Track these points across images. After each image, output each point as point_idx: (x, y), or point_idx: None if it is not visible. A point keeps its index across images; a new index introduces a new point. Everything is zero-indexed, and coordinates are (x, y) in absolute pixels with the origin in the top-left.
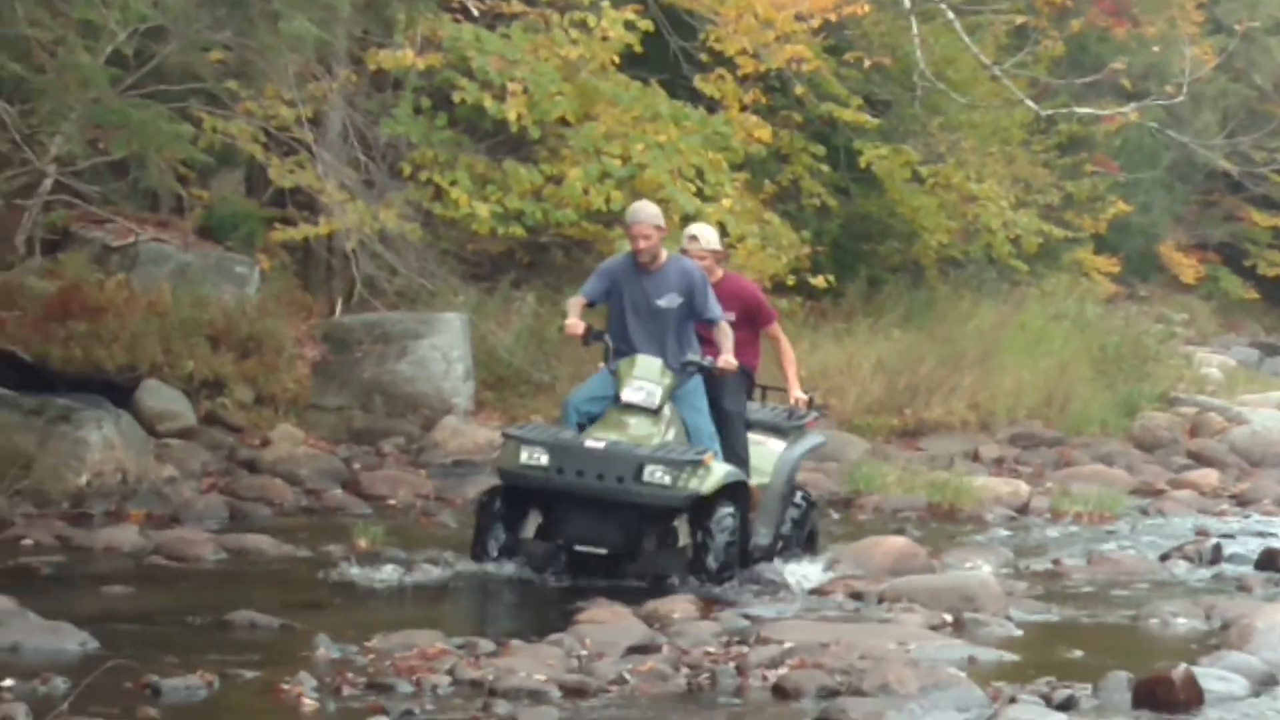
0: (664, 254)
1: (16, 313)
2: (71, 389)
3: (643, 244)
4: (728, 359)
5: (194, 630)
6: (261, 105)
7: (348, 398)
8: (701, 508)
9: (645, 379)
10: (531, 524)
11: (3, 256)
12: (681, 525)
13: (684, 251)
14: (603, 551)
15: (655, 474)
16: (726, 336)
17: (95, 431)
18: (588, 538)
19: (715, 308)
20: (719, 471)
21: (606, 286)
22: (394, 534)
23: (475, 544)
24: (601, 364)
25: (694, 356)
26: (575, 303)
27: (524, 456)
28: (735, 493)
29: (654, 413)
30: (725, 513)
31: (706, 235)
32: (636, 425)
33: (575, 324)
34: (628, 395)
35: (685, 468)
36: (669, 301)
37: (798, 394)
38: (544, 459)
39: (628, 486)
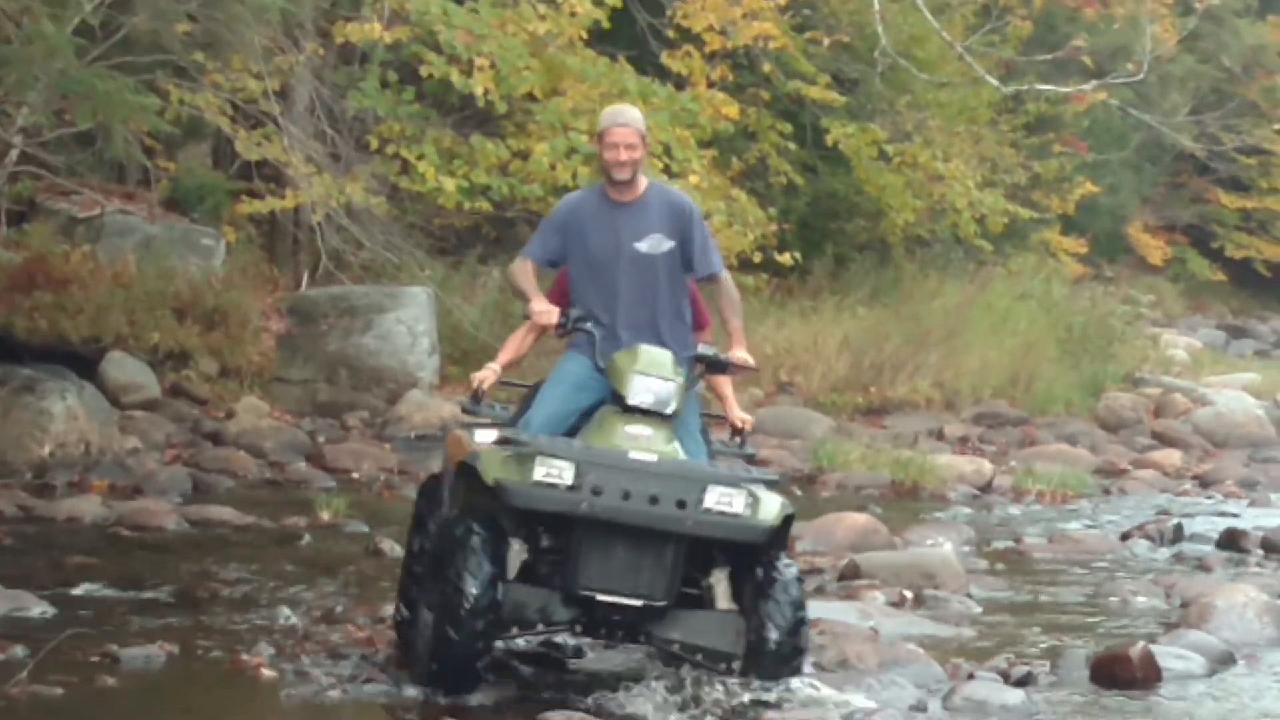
0: (644, 180)
1: None
2: (36, 360)
3: (624, 154)
4: (743, 355)
5: (155, 600)
6: (228, 77)
7: (313, 371)
8: (751, 557)
9: (655, 374)
10: (515, 562)
11: None
12: (719, 582)
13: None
14: (637, 603)
15: (723, 499)
16: (734, 303)
17: (59, 402)
18: (618, 584)
19: (716, 256)
20: (774, 501)
21: (563, 239)
22: (357, 507)
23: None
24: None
25: (705, 349)
26: (525, 274)
27: (539, 472)
28: (784, 538)
29: (668, 419)
30: (790, 568)
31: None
32: (654, 437)
33: (547, 311)
34: (636, 397)
35: (755, 491)
36: (652, 245)
37: (739, 413)
38: (569, 476)
39: (690, 514)
